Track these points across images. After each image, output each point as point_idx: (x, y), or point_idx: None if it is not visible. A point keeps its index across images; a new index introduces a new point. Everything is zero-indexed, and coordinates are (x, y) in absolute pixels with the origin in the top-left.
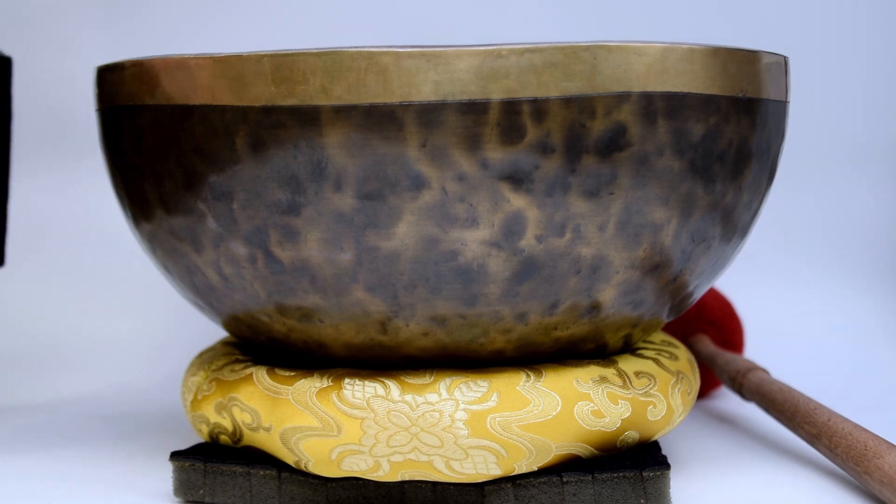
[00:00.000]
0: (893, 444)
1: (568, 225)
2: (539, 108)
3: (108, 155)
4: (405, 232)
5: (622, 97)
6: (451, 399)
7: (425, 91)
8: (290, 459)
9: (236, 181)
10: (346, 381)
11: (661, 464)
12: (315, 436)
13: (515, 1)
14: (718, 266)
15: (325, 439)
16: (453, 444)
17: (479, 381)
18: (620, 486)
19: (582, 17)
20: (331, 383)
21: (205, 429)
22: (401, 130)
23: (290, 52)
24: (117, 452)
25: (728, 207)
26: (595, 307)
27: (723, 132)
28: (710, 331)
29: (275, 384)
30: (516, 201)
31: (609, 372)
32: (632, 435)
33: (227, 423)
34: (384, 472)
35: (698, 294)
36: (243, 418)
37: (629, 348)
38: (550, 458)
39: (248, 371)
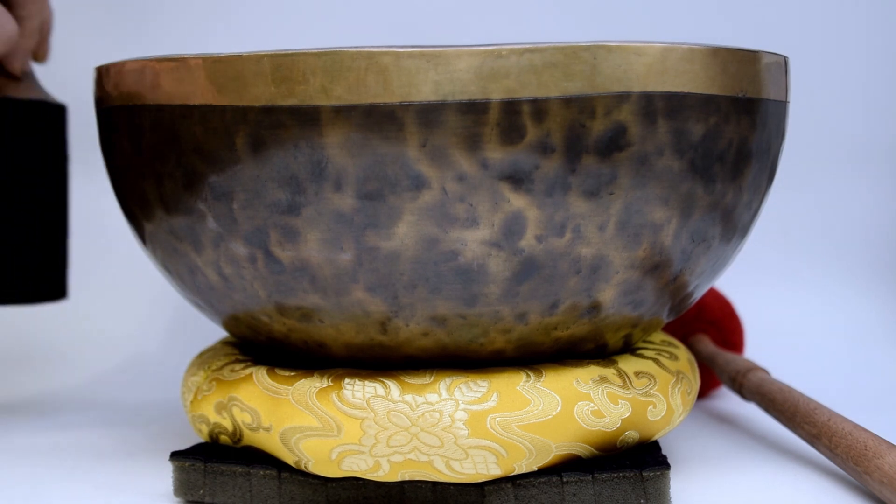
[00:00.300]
0: (893, 444)
1: (568, 225)
2: (539, 108)
3: (107, 155)
4: (405, 232)
5: (622, 97)
6: (451, 399)
7: (425, 91)
8: (290, 459)
9: (236, 181)
10: (346, 381)
11: (661, 464)
12: (315, 436)
13: (515, 1)
14: (718, 266)
15: (325, 439)
16: (453, 444)
17: (479, 381)
18: (620, 486)
19: (582, 17)
20: (331, 383)
21: (205, 429)
22: (401, 130)
23: (290, 52)
24: (117, 452)
25: (728, 207)
26: (595, 307)
27: (723, 132)
28: (710, 331)
29: (275, 384)
30: (516, 201)
31: (609, 372)
32: (632, 435)
33: (227, 423)
34: (384, 472)
35: (698, 294)
36: (243, 418)
37: (629, 348)
38: (550, 458)
39: (248, 371)
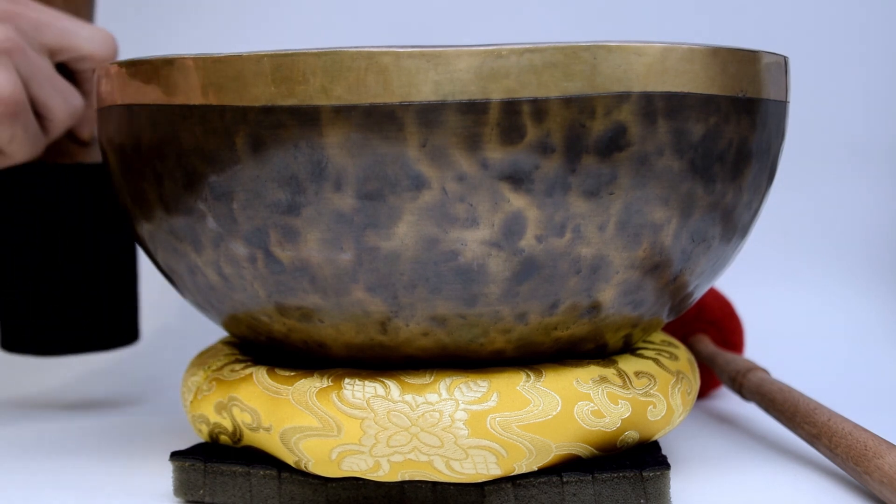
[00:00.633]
0: (893, 444)
1: (568, 225)
2: (539, 108)
3: (107, 155)
4: (405, 232)
5: (622, 97)
6: (451, 399)
7: (425, 91)
8: (290, 459)
9: (236, 181)
10: (346, 381)
11: (661, 464)
12: (315, 436)
13: (515, 1)
14: (718, 266)
15: (325, 439)
16: (453, 444)
17: (479, 381)
18: (620, 486)
19: (582, 17)
20: (331, 383)
21: (205, 429)
22: (401, 130)
23: (290, 52)
24: (117, 452)
25: (728, 207)
26: (595, 307)
27: (723, 132)
28: (710, 331)
29: (275, 384)
30: (516, 201)
31: (609, 372)
32: (632, 435)
33: (227, 423)
34: (384, 472)
35: (698, 294)
36: (243, 418)
37: (629, 348)
38: (550, 458)
39: (248, 371)
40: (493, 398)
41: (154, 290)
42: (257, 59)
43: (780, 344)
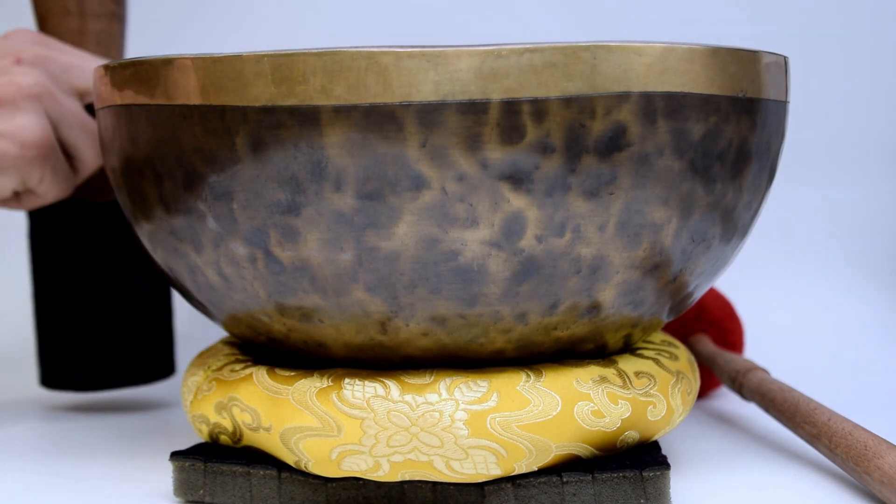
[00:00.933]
0: (893, 444)
1: (568, 225)
2: (539, 108)
3: (107, 155)
4: (405, 232)
5: (622, 97)
6: (451, 399)
7: (425, 91)
8: (290, 459)
9: (236, 181)
10: (346, 381)
11: (661, 464)
12: (315, 436)
13: (515, 1)
14: (718, 266)
15: (325, 439)
16: (453, 444)
17: (479, 381)
18: (620, 486)
19: (582, 17)
20: (331, 383)
21: (205, 429)
22: (401, 130)
23: (290, 52)
24: (117, 452)
25: (728, 207)
26: (595, 307)
27: (723, 132)
28: (710, 331)
29: (275, 384)
30: (516, 201)
31: (609, 372)
32: (632, 435)
33: (227, 423)
34: (384, 472)
35: (698, 294)
36: (243, 418)
37: (629, 348)
38: (550, 458)
39: (248, 371)
40: (493, 398)
41: None
42: (257, 59)
43: (780, 344)
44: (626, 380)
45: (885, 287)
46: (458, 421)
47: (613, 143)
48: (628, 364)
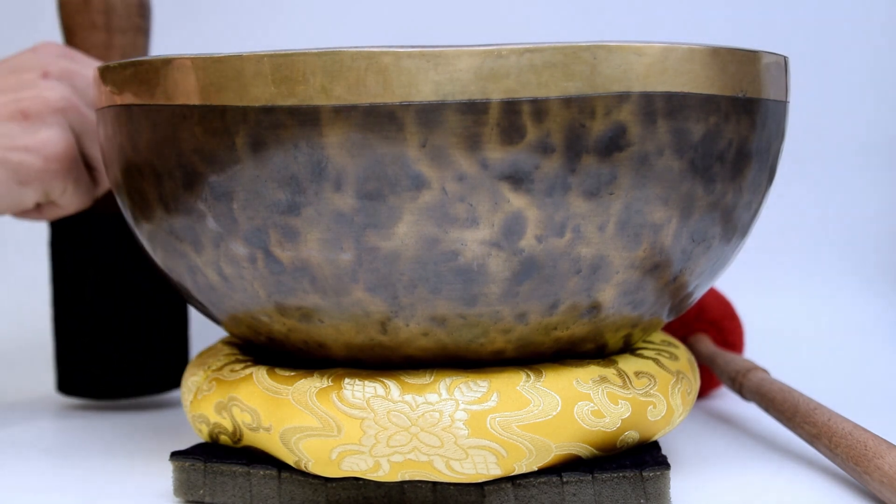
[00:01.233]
0: (893, 444)
1: (568, 225)
2: (539, 108)
3: (107, 155)
4: (405, 232)
5: (622, 97)
6: (451, 399)
7: (425, 91)
8: (290, 459)
9: (236, 181)
10: (346, 381)
11: (661, 464)
12: (315, 436)
13: (515, 1)
14: (718, 266)
15: (325, 439)
16: (453, 444)
17: (479, 381)
18: (620, 486)
19: (582, 17)
20: (331, 383)
21: (205, 429)
22: (401, 130)
23: (290, 52)
24: (117, 452)
25: (728, 207)
26: (595, 307)
27: (723, 132)
28: (710, 331)
29: (275, 384)
30: (516, 201)
31: (609, 372)
32: (632, 435)
33: (227, 423)
34: (384, 472)
35: (698, 294)
36: (243, 418)
37: (629, 348)
38: (550, 458)
39: (248, 371)
40: (493, 398)
41: None
42: (257, 59)
43: (780, 344)
44: (626, 380)
45: (885, 287)
46: (458, 421)
47: (613, 143)
48: (628, 364)
